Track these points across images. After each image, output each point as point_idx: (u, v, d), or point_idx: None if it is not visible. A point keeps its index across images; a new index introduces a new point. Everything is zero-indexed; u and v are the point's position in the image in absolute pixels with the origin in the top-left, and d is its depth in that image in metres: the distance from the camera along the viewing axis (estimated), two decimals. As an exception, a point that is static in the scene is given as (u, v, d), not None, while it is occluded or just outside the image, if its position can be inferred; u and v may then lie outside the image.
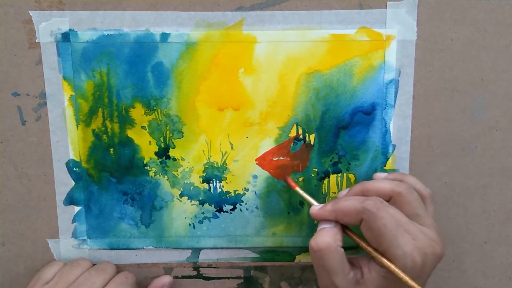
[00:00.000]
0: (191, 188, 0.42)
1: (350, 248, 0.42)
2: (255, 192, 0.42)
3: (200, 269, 0.44)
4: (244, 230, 0.43)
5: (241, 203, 0.43)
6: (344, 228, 0.37)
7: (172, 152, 0.42)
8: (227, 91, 0.41)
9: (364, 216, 0.34)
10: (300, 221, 0.43)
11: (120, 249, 0.43)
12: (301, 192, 0.40)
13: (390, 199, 0.36)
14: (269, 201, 0.43)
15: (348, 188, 0.39)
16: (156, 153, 0.42)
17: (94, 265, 0.42)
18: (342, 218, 0.35)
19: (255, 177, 0.42)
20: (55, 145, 0.41)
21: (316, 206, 0.37)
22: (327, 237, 0.35)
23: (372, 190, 0.37)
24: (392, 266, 0.34)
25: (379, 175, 0.40)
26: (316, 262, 0.35)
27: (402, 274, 0.33)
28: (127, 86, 0.41)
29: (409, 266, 0.34)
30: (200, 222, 0.43)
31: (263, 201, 0.43)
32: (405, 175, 0.39)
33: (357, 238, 0.36)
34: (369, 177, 0.42)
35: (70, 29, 0.40)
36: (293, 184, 0.41)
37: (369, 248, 0.35)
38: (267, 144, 0.42)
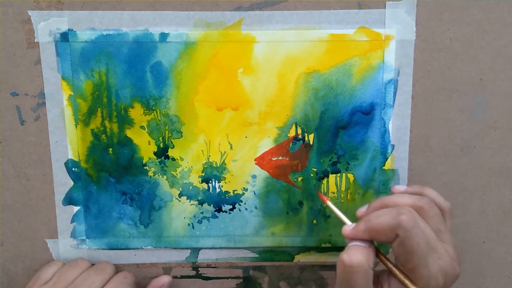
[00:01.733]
0: (190, 188, 0.42)
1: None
2: (254, 192, 0.42)
3: (199, 269, 0.44)
4: (243, 230, 0.43)
5: (240, 203, 0.43)
6: (377, 250, 0.35)
7: (171, 152, 0.42)
8: (226, 91, 0.41)
9: (400, 232, 0.32)
10: (299, 221, 0.43)
11: (119, 249, 0.43)
12: (332, 207, 0.38)
13: None
14: (268, 201, 0.43)
15: (367, 205, 0.37)
16: (155, 153, 0.42)
17: (93, 265, 0.42)
18: (376, 236, 0.33)
19: (254, 177, 0.42)
20: (54, 145, 0.41)
21: (348, 226, 0.35)
22: (361, 256, 0.33)
23: (393, 206, 0.35)
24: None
25: (398, 188, 0.38)
26: (343, 277, 0.33)
27: None
28: (126, 86, 0.41)
29: (432, 287, 0.33)
30: (199, 222, 0.43)
31: (262, 201, 0.43)
32: (424, 187, 0.38)
33: (385, 260, 0.35)
34: (368, 177, 0.42)
35: (69, 29, 0.40)
36: (324, 198, 0.39)
37: (396, 271, 0.34)
38: (266, 144, 0.42)
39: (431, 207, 0.35)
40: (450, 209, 0.37)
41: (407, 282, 0.34)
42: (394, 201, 0.35)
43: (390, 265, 0.35)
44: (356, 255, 0.33)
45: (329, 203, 0.38)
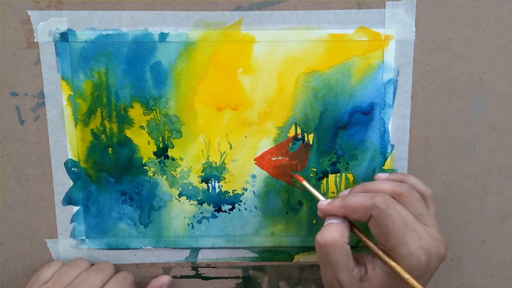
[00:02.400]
0: (190, 188, 0.42)
1: (353, 246, 0.42)
2: (254, 192, 0.42)
3: (198, 269, 0.44)
4: (242, 230, 0.43)
5: (240, 203, 0.43)
6: (351, 225, 0.36)
7: (170, 152, 0.42)
8: (225, 91, 0.41)
9: (374, 212, 0.34)
10: (299, 220, 0.43)
11: (119, 249, 0.43)
12: (308, 186, 0.40)
13: None
14: (267, 201, 0.43)
15: (349, 189, 0.39)
16: (154, 153, 0.42)
17: (92, 265, 0.42)
18: (350, 214, 0.35)
19: (253, 177, 0.42)
20: (53, 145, 0.41)
21: (324, 201, 0.37)
22: (334, 233, 0.35)
23: (373, 191, 0.36)
24: (398, 267, 0.34)
25: (380, 175, 0.40)
26: (321, 257, 0.35)
27: (405, 274, 0.33)
28: (125, 86, 0.40)
29: (414, 265, 0.34)
30: (199, 222, 0.43)
31: (261, 201, 0.43)
32: (406, 175, 0.39)
33: (362, 236, 0.36)
34: (368, 177, 0.42)
35: (68, 29, 0.40)
36: (300, 178, 0.41)
37: (374, 248, 0.35)
38: (266, 144, 0.42)
39: (411, 193, 0.36)
40: (432, 195, 0.39)
41: (380, 253, 0.35)
42: (375, 187, 0.37)
43: (365, 239, 0.36)
44: (329, 233, 0.35)
45: (305, 183, 0.40)
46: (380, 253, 0.35)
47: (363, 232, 0.37)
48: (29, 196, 0.42)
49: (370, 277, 0.35)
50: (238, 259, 0.44)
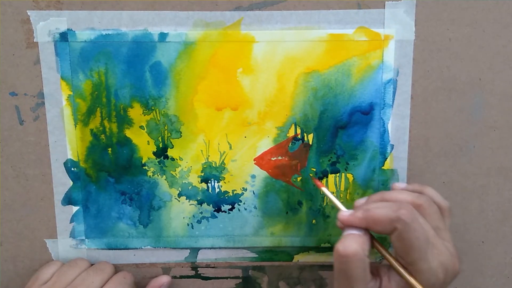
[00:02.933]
0: (190, 188, 0.42)
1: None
2: (254, 192, 0.42)
3: (198, 269, 0.44)
4: (242, 230, 0.43)
5: (240, 203, 0.43)
6: (371, 237, 0.35)
7: (170, 152, 0.42)
8: (225, 90, 0.41)
9: (398, 225, 0.32)
10: (299, 220, 0.43)
11: (118, 249, 0.43)
12: (328, 193, 0.38)
13: None
14: (267, 200, 0.43)
15: (366, 198, 0.37)
16: (154, 153, 0.42)
17: (92, 265, 0.42)
18: (373, 226, 0.34)
19: (253, 177, 0.42)
20: (53, 145, 0.41)
21: (345, 212, 0.35)
22: (355, 244, 0.33)
23: (392, 201, 0.35)
24: (416, 283, 0.33)
25: (398, 185, 0.38)
26: (339, 267, 0.34)
27: None
28: (125, 85, 0.40)
29: (432, 281, 0.33)
30: (199, 222, 0.43)
31: (261, 201, 0.43)
32: (424, 186, 0.38)
33: (382, 249, 0.35)
34: (368, 177, 0.42)
35: (68, 29, 0.40)
36: (319, 183, 0.40)
37: (393, 262, 0.34)
38: (266, 144, 0.42)
39: (430, 205, 0.35)
40: (450, 208, 0.38)
41: (401, 270, 0.34)
42: (394, 197, 0.36)
43: (385, 253, 0.35)
44: (351, 244, 0.33)
45: (324, 189, 0.39)
46: (398, 267, 0.34)
47: (382, 244, 0.36)
48: (29, 196, 0.42)
49: None
50: (237, 259, 0.44)
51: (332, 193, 0.42)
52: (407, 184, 0.39)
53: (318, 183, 0.40)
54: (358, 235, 0.34)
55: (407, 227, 0.32)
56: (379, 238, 0.36)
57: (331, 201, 0.38)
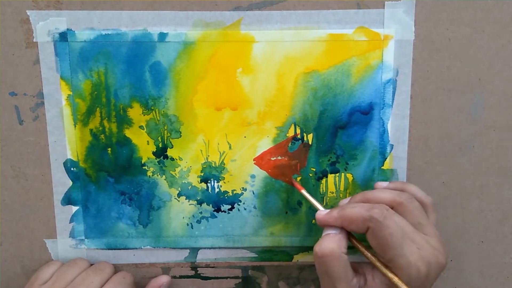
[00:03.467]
0: (189, 188, 0.42)
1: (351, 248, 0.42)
2: (253, 192, 0.42)
3: (198, 269, 0.44)
4: (242, 230, 0.43)
5: (239, 203, 0.43)
6: (349, 235, 0.36)
7: (170, 152, 0.42)
8: (225, 90, 0.41)
9: (371, 224, 0.34)
10: (298, 220, 0.43)
11: (118, 249, 0.43)
12: (306, 195, 0.39)
13: (391, 209, 0.36)
14: (267, 200, 0.43)
15: (350, 197, 0.39)
16: (154, 153, 0.42)
17: (91, 265, 0.42)
18: (348, 225, 0.35)
19: (253, 176, 0.42)
20: (52, 145, 0.41)
21: (322, 212, 0.37)
22: (331, 243, 0.35)
23: (373, 200, 0.36)
24: (395, 279, 0.34)
25: (380, 184, 0.40)
26: (319, 268, 0.35)
27: (403, 286, 0.33)
28: (124, 85, 0.40)
29: (414, 275, 0.34)
30: (198, 222, 0.43)
31: (261, 201, 0.43)
32: (406, 184, 0.39)
33: (361, 247, 0.36)
34: (367, 177, 0.42)
35: (67, 29, 0.40)
36: (299, 186, 0.40)
37: (373, 259, 0.35)
38: (265, 144, 0.42)
39: (410, 202, 0.36)
40: (433, 203, 0.39)
41: (379, 265, 0.35)
42: (375, 196, 0.37)
43: (364, 250, 0.36)
44: (326, 244, 0.35)
45: (304, 192, 0.40)
46: (378, 264, 0.35)
47: (361, 242, 0.37)
48: (28, 196, 0.42)
49: (369, 287, 0.35)
50: (237, 259, 0.44)
51: (332, 192, 0.42)
52: (390, 182, 0.40)
53: (298, 186, 0.40)
54: (334, 234, 0.35)
55: (379, 225, 0.33)
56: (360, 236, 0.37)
57: (310, 203, 0.39)
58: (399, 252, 0.33)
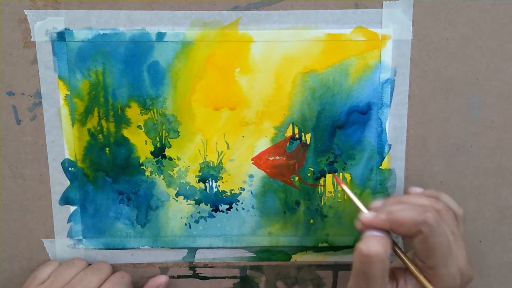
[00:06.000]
0: (187, 187, 0.42)
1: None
2: (251, 192, 0.42)
3: (196, 268, 0.44)
4: (240, 230, 0.43)
5: (237, 203, 0.43)
6: (393, 243, 0.35)
7: (168, 152, 0.42)
8: (223, 90, 0.41)
9: (424, 229, 0.32)
10: (296, 220, 0.43)
11: (116, 249, 0.43)
12: (349, 192, 0.38)
13: None
14: (265, 200, 0.43)
15: (382, 200, 0.37)
16: (152, 153, 0.42)
17: (89, 265, 0.42)
18: (397, 229, 0.34)
19: (251, 176, 0.42)
20: (50, 145, 0.41)
21: (368, 214, 0.35)
22: (379, 246, 0.33)
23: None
24: None
25: (415, 189, 0.38)
26: (360, 267, 0.34)
27: None
28: (122, 85, 0.40)
29: (450, 287, 0.33)
30: (196, 221, 0.43)
31: (259, 201, 0.43)
32: (440, 192, 0.38)
33: (400, 252, 0.35)
34: (365, 177, 0.42)
35: (65, 28, 0.39)
36: (340, 181, 0.39)
37: (411, 266, 0.34)
38: (263, 144, 0.42)
39: (447, 211, 0.35)
40: (464, 215, 0.38)
41: (420, 277, 0.34)
42: (412, 201, 0.35)
43: (404, 258, 0.35)
44: (374, 245, 0.33)
45: (345, 187, 0.38)
46: (416, 272, 0.34)
47: (399, 247, 0.36)
48: (26, 196, 0.42)
49: None
50: (235, 259, 0.44)
51: (330, 192, 0.42)
52: (424, 189, 0.39)
53: (340, 181, 0.39)
54: (381, 237, 0.34)
55: (433, 231, 0.32)
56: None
57: (354, 203, 0.37)
58: (443, 261, 0.33)
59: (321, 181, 0.42)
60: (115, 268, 0.43)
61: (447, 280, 0.33)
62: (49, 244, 0.43)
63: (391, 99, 0.41)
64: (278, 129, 0.41)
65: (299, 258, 0.44)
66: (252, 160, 0.42)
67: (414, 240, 0.34)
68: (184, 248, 0.43)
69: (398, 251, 0.35)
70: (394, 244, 0.35)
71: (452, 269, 0.33)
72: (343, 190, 0.39)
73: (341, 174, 0.42)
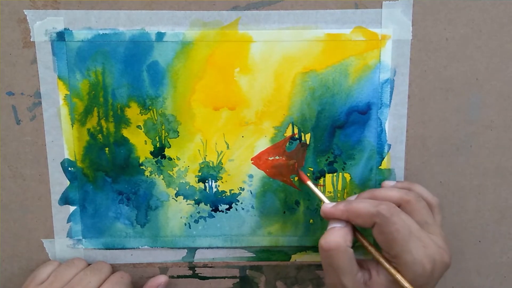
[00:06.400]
0: (187, 187, 0.42)
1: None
2: (251, 192, 0.42)
3: (195, 268, 0.44)
4: (239, 230, 0.43)
5: (237, 203, 0.43)
6: (354, 230, 0.36)
7: (167, 152, 0.42)
8: (222, 90, 0.41)
9: (377, 220, 0.34)
10: (296, 220, 0.43)
11: (116, 249, 0.43)
12: (312, 186, 0.40)
13: (399, 207, 0.36)
14: (264, 200, 0.43)
15: (357, 195, 0.39)
16: (151, 153, 0.42)
17: (89, 265, 0.42)
18: (354, 219, 0.35)
19: (250, 176, 0.42)
20: (50, 145, 0.41)
21: (328, 204, 0.37)
22: (337, 237, 0.35)
23: (381, 198, 0.37)
24: (398, 275, 0.34)
25: (388, 183, 0.40)
26: (325, 261, 0.35)
27: (405, 283, 0.34)
28: (122, 85, 0.40)
29: (419, 272, 0.34)
30: (196, 221, 0.43)
31: (258, 201, 0.43)
32: (413, 183, 0.40)
33: (365, 242, 0.36)
34: (365, 177, 0.42)
35: (65, 28, 0.39)
36: (304, 177, 0.41)
37: (376, 254, 0.35)
38: (263, 144, 0.42)
39: (418, 201, 0.37)
40: (439, 204, 0.39)
41: (382, 260, 0.35)
42: (383, 194, 0.37)
43: (370, 248, 0.36)
44: (332, 237, 0.35)
45: (310, 183, 0.40)
46: (382, 260, 0.35)
47: (366, 237, 0.37)
48: (26, 196, 0.42)
49: (374, 283, 0.35)
50: (235, 258, 0.44)
51: (329, 192, 0.42)
52: (397, 181, 0.40)
53: (304, 177, 0.41)
54: (340, 227, 0.36)
55: (386, 221, 0.34)
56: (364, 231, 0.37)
57: (316, 195, 0.39)
58: (404, 248, 0.34)
59: (321, 181, 0.42)
60: (114, 268, 0.43)
61: (413, 266, 0.34)
62: (48, 244, 0.43)
63: (390, 99, 0.41)
64: (278, 129, 0.41)
65: (298, 258, 0.44)
66: (251, 160, 0.42)
67: (373, 232, 0.35)
68: (184, 248, 0.43)
69: (363, 241, 0.37)
70: (359, 234, 0.37)
71: (417, 256, 0.34)
72: (308, 186, 0.40)
73: (340, 174, 0.42)
